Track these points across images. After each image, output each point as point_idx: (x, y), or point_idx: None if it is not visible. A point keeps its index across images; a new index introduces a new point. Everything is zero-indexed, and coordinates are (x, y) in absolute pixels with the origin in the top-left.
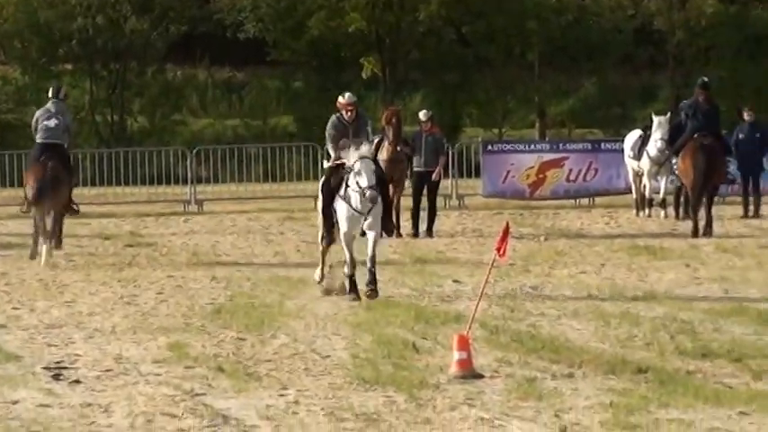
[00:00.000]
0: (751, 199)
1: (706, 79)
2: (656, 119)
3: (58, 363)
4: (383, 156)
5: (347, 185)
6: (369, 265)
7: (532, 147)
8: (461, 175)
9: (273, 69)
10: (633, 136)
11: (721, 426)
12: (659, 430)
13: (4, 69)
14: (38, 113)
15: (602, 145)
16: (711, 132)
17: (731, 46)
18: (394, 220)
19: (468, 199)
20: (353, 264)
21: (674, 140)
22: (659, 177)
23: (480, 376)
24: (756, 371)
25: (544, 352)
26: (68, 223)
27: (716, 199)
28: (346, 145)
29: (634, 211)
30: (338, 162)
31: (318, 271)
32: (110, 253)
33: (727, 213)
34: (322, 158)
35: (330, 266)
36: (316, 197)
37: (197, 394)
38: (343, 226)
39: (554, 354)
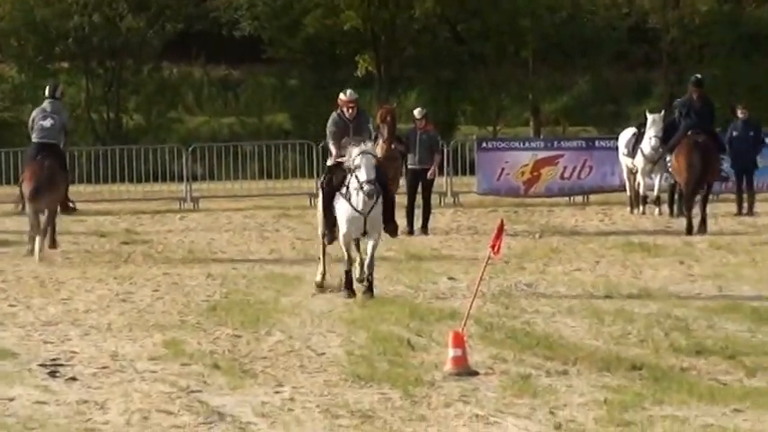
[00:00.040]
0: (745, 196)
1: (699, 76)
2: (650, 116)
3: (54, 360)
4: (377, 154)
5: (348, 184)
6: (366, 272)
7: (527, 144)
8: (456, 173)
9: (269, 67)
10: (627, 134)
11: (715, 422)
12: (653, 427)
13: (1, 67)
14: (34, 113)
15: (597, 142)
16: (705, 130)
17: (725, 44)
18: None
19: (463, 196)
20: (351, 260)
21: (668, 138)
22: (653, 175)
23: (475, 373)
24: (750, 368)
25: (539, 349)
26: (64, 220)
27: (710, 196)
28: (348, 144)
29: (628, 209)
30: (339, 160)
31: (319, 275)
32: (106, 250)
33: (720, 211)
34: (318, 156)
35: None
36: (312, 195)
37: (193, 391)
38: (342, 227)
39: (549, 351)
